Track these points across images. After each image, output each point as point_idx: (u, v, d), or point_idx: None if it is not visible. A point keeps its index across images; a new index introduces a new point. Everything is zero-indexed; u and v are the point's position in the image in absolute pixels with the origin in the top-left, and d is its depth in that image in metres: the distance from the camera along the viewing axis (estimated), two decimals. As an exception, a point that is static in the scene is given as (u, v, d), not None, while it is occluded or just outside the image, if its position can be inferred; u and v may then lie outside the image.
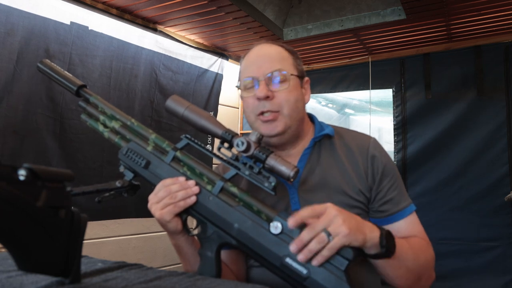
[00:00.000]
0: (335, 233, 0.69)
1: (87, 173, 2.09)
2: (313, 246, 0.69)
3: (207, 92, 2.84)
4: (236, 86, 1.04)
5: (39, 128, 1.90)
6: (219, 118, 2.98)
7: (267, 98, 0.94)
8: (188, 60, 2.68)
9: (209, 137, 2.70)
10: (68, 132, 2.01)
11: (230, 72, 3.11)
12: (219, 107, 3.04)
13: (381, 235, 0.76)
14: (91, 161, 2.12)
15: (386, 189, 0.97)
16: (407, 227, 0.96)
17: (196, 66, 2.74)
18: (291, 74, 0.97)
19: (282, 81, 0.96)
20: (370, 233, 0.75)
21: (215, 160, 2.29)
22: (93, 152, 2.12)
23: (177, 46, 2.60)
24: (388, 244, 0.76)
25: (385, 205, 0.96)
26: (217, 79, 2.91)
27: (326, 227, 0.70)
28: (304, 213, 0.72)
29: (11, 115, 1.80)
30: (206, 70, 2.82)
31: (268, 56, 0.99)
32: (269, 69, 0.96)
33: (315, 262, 0.69)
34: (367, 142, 1.01)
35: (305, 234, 0.70)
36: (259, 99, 0.94)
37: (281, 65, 0.97)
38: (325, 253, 0.69)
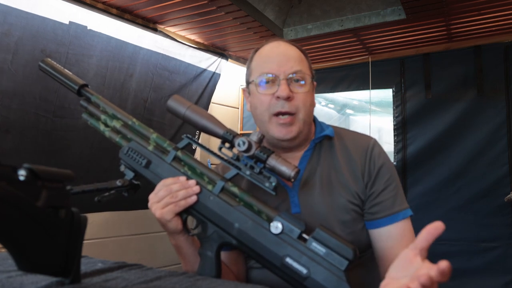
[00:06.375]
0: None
1: (75, 170, 2.09)
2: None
3: (201, 90, 2.79)
4: (248, 82, 1.01)
5: (32, 126, 1.90)
6: (219, 118, 2.97)
7: (287, 98, 0.92)
8: (187, 60, 2.67)
9: (197, 133, 2.67)
10: (59, 130, 2.01)
11: (230, 72, 3.10)
12: (220, 107, 3.03)
13: None
14: (79, 157, 2.12)
15: (380, 190, 0.94)
16: (398, 233, 0.93)
17: (194, 66, 2.72)
18: (309, 77, 0.97)
19: (302, 83, 0.95)
20: None
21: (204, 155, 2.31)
22: (81, 149, 2.13)
23: (176, 46, 2.59)
24: None
25: (376, 206, 0.94)
26: (213, 78, 2.86)
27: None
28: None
29: (5, 115, 1.80)
30: (204, 70, 2.79)
31: (288, 55, 0.96)
32: (290, 69, 0.94)
33: None
34: (367, 143, 1.00)
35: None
36: (278, 98, 0.92)
37: (301, 66, 0.96)
38: None
